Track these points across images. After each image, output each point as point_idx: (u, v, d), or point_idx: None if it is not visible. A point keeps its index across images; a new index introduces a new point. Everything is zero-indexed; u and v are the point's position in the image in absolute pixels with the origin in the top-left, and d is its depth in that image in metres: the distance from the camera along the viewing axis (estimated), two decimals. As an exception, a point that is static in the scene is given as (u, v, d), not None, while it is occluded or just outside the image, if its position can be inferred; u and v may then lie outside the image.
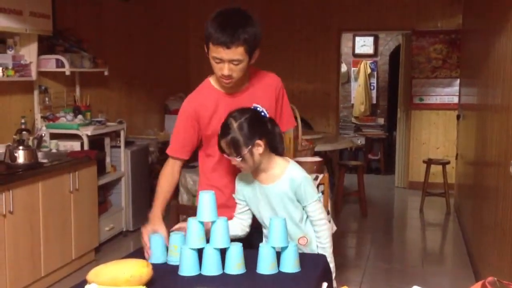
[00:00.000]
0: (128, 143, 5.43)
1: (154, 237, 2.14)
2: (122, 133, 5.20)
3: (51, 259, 4.01)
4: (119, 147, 5.22)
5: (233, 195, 2.29)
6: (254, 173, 2.21)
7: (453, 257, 5.10)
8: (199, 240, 2.02)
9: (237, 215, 2.30)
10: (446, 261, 5.04)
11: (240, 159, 2.09)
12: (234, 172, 2.29)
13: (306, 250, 2.25)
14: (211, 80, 2.30)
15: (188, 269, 2.00)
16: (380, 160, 8.74)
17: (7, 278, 3.55)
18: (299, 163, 2.42)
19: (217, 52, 2.08)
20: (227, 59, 2.09)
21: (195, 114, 2.24)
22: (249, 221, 2.29)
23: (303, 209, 2.23)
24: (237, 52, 2.07)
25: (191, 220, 2.04)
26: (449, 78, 7.25)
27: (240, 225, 2.28)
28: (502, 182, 3.22)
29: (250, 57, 2.13)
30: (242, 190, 2.26)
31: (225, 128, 2.10)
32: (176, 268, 2.05)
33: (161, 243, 2.13)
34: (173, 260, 2.08)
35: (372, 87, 9.55)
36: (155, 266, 1.91)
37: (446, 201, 6.41)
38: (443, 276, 4.48)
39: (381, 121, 9.33)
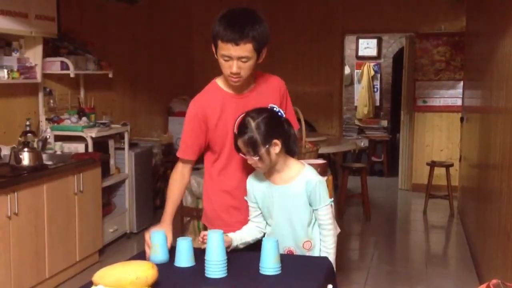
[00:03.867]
0: (132, 145, 5.45)
1: (155, 233, 2.14)
2: (126, 135, 5.22)
3: (56, 260, 4.03)
4: (123, 149, 5.23)
5: (245, 198, 2.29)
6: (268, 174, 2.22)
7: (456, 259, 5.10)
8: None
9: (252, 219, 2.30)
10: (450, 263, 5.03)
11: (258, 158, 2.11)
12: (243, 174, 2.30)
13: (309, 254, 2.26)
14: (218, 81, 2.31)
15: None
16: (384, 162, 8.73)
17: (12, 279, 3.56)
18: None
19: (226, 49, 2.10)
20: (236, 56, 2.10)
21: (202, 115, 2.25)
22: (265, 223, 2.30)
23: (313, 212, 2.23)
24: (246, 49, 2.10)
25: (212, 234, 2.04)
26: (453, 81, 7.25)
27: (257, 228, 2.29)
28: (506, 184, 3.22)
29: (258, 55, 2.15)
30: (253, 192, 2.26)
31: (243, 127, 2.12)
32: (181, 270, 2.06)
33: (164, 242, 2.14)
34: (156, 259, 2.09)
35: (375, 89, 9.56)
36: (161, 268, 1.92)
37: (450, 203, 6.41)
38: (446, 279, 4.48)
39: (384, 123, 9.33)
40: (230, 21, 2.10)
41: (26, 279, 3.72)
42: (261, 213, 2.28)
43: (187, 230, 3.97)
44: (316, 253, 2.27)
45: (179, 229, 2.77)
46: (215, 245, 2.00)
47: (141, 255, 2.21)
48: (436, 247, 5.53)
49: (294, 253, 2.27)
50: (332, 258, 2.25)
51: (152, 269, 1.84)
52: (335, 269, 2.27)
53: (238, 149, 2.16)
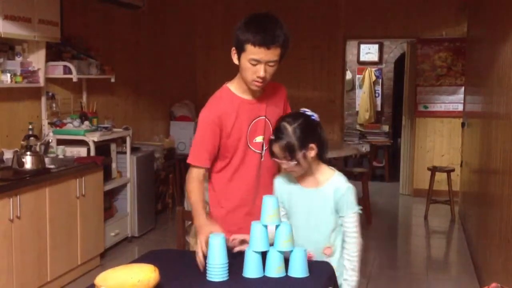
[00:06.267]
0: (134, 149, 5.47)
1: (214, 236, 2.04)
2: (128, 139, 5.23)
3: (58, 264, 4.04)
4: (125, 153, 5.25)
5: None
6: (299, 177, 2.23)
7: (457, 265, 5.10)
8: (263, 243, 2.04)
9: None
10: (451, 269, 5.03)
11: (295, 162, 2.13)
12: (253, 179, 2.31)
13: (329, 261, 2.23)
14: (230, 86, 2.31)
15: (252, 271, 2.03)
16: (385, 168, 8.74)
17: (14, 282, 3.57)
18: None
19: (257, 53, 2.11)
20: (265, 60, 2.13)
21: (219, 121, 2.24)
22: None
23: (338, 218, 2.22)
24: (275, 53, 2.13)
25: (255, 224, 2.06)
26: (454, 86, 7.27)
27: None
28: (507, 190, 3.23)
29: (280, 61, 2.18)
30: (280, 191, 2.26)
31: (279, 132, 2.13)
32: (183, 272, 2.07)
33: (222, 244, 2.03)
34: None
35: (377, 95, 9.58)
36: (163, 270, 1.93)
37: (451, 208, 6.41)
38: (447, 284, 4.48)
39: (385, 128, 9.35)
40: (260, 25, 2.12)
41: (28, 282, 3.73)
42: (286, 213, 2.28)
43: (188, 234, 3.98)
44: (335, 260, 2.24)
45: (181, 233, 2.77)
46: (217, 249, 2.02)
47: (145, 259, 2.21)
48: (437, 252, 5.53)
49: (313, 258, 2.25)
50: (355, 265, 2.22)
51: (154, 272, 1.85)
52: (358, 279, 2.23)
53: (272, 154, 2.16)
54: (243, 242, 2.15)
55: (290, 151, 2.11)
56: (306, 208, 2.21)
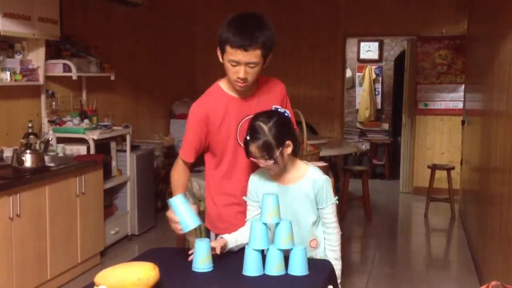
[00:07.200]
0: (133, 147, 5.46)
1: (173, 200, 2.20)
2: (128, 138, 5.23)
3: (57, 262, 4.04)
4: (125, 151, 5.25)
5: (245, 198, 2.29)
6: (276, 174, 2.23)
7: (457, 263, 5.10)
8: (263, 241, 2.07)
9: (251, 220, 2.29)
10: (451, 266, 5.03)
11: (273, 161, 2.12)
12: (244, 179, 2.30)
13: (315, 252, 2.26)
14: (221, 84, 2.31)
15: (252, 269, 2.04)
16: (385, 166, 8.74)
17: (14, 281, 3.57)
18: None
19: (234, 55, 2.10)
20: (244, 62, 2.10)
21: (205, 117, 2.24)
22: None
23: (318, 210, 2.25)
24: (254, 55, 2.10)
25: (255, 222, 2.08)
26: (454, 84, 7.26)
27: None
28: (507, 188, 3.23)
29: (264, 61, 2.16)
30: (256, 192, 2.25)
31: (255, 132, 2.11)
32: (183, 270, 2.07)
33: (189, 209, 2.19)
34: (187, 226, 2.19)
35: (377, 92, 9.57)
36: (163, 268, 1.93)
37: (451, 206, 6.41)
38: (447, 282, 4.48)
39: (385, 126, 9.34)
40: (240, 26, 2.10)
41: (28, 280, 3.73)
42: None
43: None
44: (321, 251, 2.27)
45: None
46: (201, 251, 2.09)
47: (145, 257, 2.21)
48: (437, 250, 5.53)
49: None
50: (338, 254, 2.27)
51: (154, 270, 1.85)
52: (340, 267, 2.29)
53: (249, 154, 2.15)
54: (222, 248, 2.18)
55: (267, 150, 2.10)
56: (286, 205, 2.20)
